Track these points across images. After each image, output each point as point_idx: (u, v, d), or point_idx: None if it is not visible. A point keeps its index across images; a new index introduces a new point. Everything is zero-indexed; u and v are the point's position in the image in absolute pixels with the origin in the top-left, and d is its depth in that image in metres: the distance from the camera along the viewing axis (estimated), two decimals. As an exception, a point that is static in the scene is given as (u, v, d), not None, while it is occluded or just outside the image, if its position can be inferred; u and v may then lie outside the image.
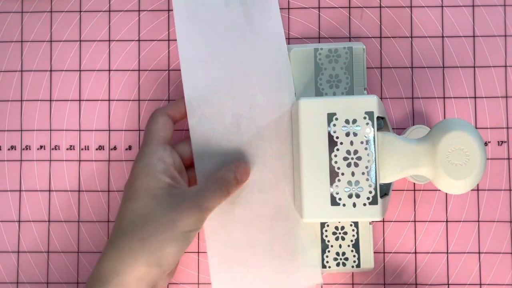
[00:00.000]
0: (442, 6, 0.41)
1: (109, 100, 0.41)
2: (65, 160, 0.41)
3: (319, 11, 0.41)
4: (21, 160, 0.41)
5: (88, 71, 0.41)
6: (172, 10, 0.41)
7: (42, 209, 0.41)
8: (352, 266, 0.38)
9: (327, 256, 0.38)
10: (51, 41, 0.41)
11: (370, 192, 0.32)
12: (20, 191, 0.41)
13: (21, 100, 0.41)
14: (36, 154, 0.41)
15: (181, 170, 0.36)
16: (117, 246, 0.32)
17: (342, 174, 0.32)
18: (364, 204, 0.32)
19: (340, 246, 0.38)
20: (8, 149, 0.41)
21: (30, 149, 0.41)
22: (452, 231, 0.40)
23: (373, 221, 0.39)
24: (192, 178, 0.37)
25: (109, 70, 0.41)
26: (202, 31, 0.38)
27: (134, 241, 0.31)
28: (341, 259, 0.38)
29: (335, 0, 0.41)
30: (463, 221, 0.40)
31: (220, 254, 0.37)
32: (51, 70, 0.41)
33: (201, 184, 0.34)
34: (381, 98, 0.41)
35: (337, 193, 0.32)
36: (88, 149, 0.41)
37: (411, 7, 0.41)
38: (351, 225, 0.38)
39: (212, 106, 0.37)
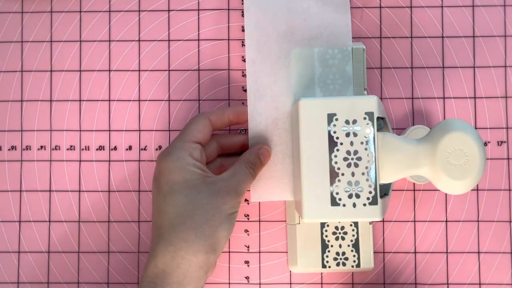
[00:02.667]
0: (442, 6, 0.41)
1: (109, 100, 0.41)
2: (66, 160, 0.41)
3: (319, 11, 0.41)
4: (21, 160, 0.41)
5: (88, 71, 0.41)
6: (172, 10, 0.41)
7: (43, 209, 0.41)
8: (352, 266, 0.38)
9: (327, 256, 0.38)
10: (51, 41, 0.41)
11: (370, 192, 0.32)
12: (20, 191, 0.41)
13: (21, 100, 0.41)
14: (37, 154, 0.41)
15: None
16: (170, 241, 0.32)
17: (342, 174, 0.32)
18: (364, 204, 0.32)
19: (340, 246, 0.38)
20: (9, 149, 0.41)
21: (30, 149, 0.41)
22: (452, 231, 0.40)
23: (373, 221, 0.40)
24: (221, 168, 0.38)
25: (109, 70, 0.41)
26: None
27: (187, 232, 0.32)
28: (341, 259, 0.38)
29: (335, 0, 0.41)
30: (462, 221, 0.40)
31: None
32: (51, 70, 0.41)
33: (232, 169, 0.35)
34: (381, 98, 0.41)
35: (337, 193, 0.32)
36: (88, 149, 0.41)
37: (411, 7, 0.41)
38: (351, 225, 0.38)
39: (267, 15, 0.39)
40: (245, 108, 0.38)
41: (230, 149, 0.39)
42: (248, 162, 0.36)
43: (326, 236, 0.38)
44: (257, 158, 0.36)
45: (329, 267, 0.38)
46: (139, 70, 0.41)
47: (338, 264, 0.38)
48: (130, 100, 0.41)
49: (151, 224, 0.37)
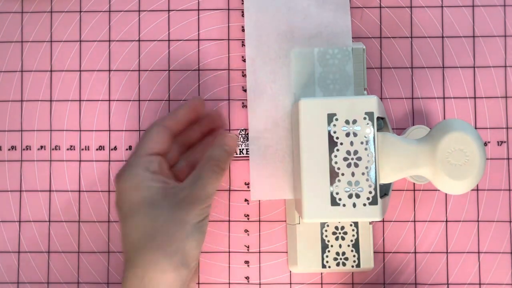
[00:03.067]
0: (442, 6, 0.41)
1: (109, 100, 0.41)
2: (65, 160, 0.41)
3: (319, 11, 0.41)
4: (21, 160, 0.41)
5: (88, 71, 0.41)
6: (172, 10, 0.41)
7: (43, 209, 0.41)
8: (352, 266, 0.38)
9: (327, 256, 0.38)
10: (51, 41, 0.41)
11: (370, 192, 0.32)
12: (20, 191, 0.41)
13: (21, 100, 0.41)
14: (37, 154, 0.41)
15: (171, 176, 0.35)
16: (137, 264, 0.31)
17: (342, 174, 0.32)
18: (364, 204, 0.32)
19: (340, 246, 0.38)
20: (9, 149, 0.41)
21: (30, 149, 0.41)
22: (452, 231, 0.40)
23: (373, 221, 0.40)
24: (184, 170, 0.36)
25: (109, 70, 0.41)
26: None
27: (152, 252, 0.31)
28: (341, 259, 0.38)
29: (335, 0, 0.41)
30: (462, 221, 0.40)
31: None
32: (51, 70, 0.41)
33: (194, 172, 0.33)
34: (381, 98, 0.41)
35: (337, 193, 0.32)
36: (88, 149, 0.41)
37: (411, 7, 0.41)
38: (351, 225, 0.38)
39: (267, 14, 0.39)
40: (198, 99, 0.36)
41: (194, 143, 0.36)
42: (211, 159, 0.33)
43: (326, 236, 0.38)
44: (222, 151, 0.33)
45: (329, 267, 0.38)
46: (139, 70, 0.41)
47: (338, 264, 0.38)
48: (130, 100, 0.41)
49: None
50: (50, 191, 0.41)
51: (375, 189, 0.32)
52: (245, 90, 0.41)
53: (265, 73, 0.39)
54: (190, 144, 0.37)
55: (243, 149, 0.41)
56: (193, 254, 0.31)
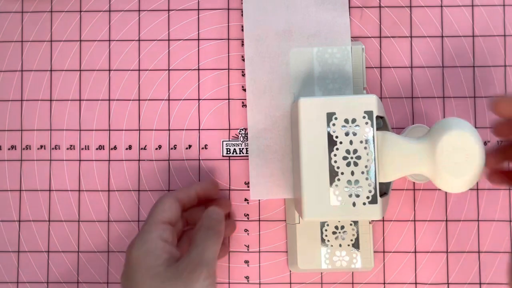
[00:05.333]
0: (441, 6, 0.41)
1: (109, 100, 0.41)
2: (65, 160, 0.41)
3: (318, 11, 0.41)
4: (21, 160, 0.41)
5: (88, 71, 0.41)
6: (172, 10, 0.41)
7: (42, 209, 0.41)
8: (352, 266, 0.38)
9: (327, 256, 0.38)
10: (51, 41, 0.42)
11: (370, 192, 0.32)
12: (20, 190, 0.41)
13: (21, 100, 0.41)
14: (36, 153, 0.41)
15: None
16: None
17: (342, 173, 0.32)
18: (364, 204, 0.32)
19: (340, 245, 0.38)
20: (8, 149, 0.41)
21: (30, 149, 0.41)
22: (452, 230, 0.40)
23: (373, 220, 0.39)
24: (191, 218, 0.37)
25: (109, 70, 0.41)
26: None
27: None
28: (341, 258, 0.38)
29: (335, 0, 0.41)
30: (462, 221, 0.40)
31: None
32: (51, 70, 0.41)
33: (192, 243, 0.33)
34: (380, 98, 0.41)
35: (337, 193, 0.32)
36: (88, 149, 0.41)
37: (410, 7, 0.41)
38: (351, 224, 0.38)
39: (266, 13, 0.39)
40: (212, 182, 0.38)
41: (193, 216, 0.37)
42: (203, 227, 0.34)
43: (326, 235, 0.38)
44: (209, 219, 0.34)
45: (329, 267, 0.38)
46: (139, 70, 0.41)
47: (338, 264, 0.38)
48: (130, 100, 0.41)
49: None
50: (50, 190, 0.41)
51: (375, 188, 0.32)
52: (244, 90, 0.41)
53: (264, 73, 0.39)
54: (194, 222, 0.37)
55: (243, 148, 0.41)
56: None
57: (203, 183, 0.38)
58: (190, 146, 0.41)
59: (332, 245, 0.38)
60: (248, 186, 0.40)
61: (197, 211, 0.37)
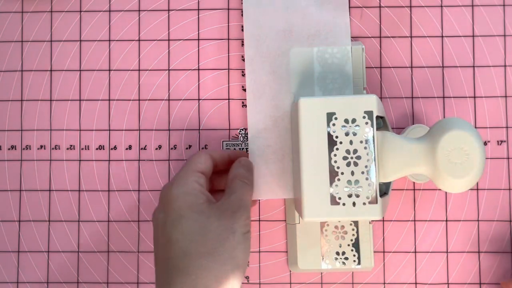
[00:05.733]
0: (441, 6, 0.41)
1: (109, 100, 0.41)
2: (65, 160, 0.41)
3: (318, 11, 0.41)
4: (21, 160, 0.41)
5: (88, 71, 0.41)
6: (172, 10, 0.41)
7: (42, 209, 0.41)
8: (352, 266, 0.38)
9: (327, 256, 0.38)
10: (51, 41, 0.42)
11: (370, 191, 0.32)
12: (20, 190, 0.41)
13: (21, 100, 0.41)
14: (36, 153, 0.41)
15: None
16: (187, 271, 0.30)
17: (342, 173, 0.32)
18: (364, 204, 0.32)
19: (340, 245, 0.38)
20: (8, 149, 0.41)
21: (30, 149, 0.41)
22: (452, 230, 0.40)
23: (373, 220, 0.39)
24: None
25: (109, 70, 0.41)
26: None
27: (205, 258, 0.31)
28: (341, 258, 0.38)
29: (335, 0, 0.41)
30: (462, 221, 0.40)
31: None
32: (51, 70, 0.41)
33: (227, 189, 0.35)
34: (380, 98, 0.41)
35: (337, 193, 0.32)
36: (88, 149, 0.41)
37: (410, 7, 0.41)
38: (351, 224, 0.38)
39: (266, 12, 0.39)
40: (245, 153, 0.39)
41: (219, 183, 0.38)
42: (237, 176, 0.35)
43: (326, 235, 0.38)
44: (244, 169, 0.36)
45: (329, 267, 0.38)
46: (139, 70, 0.41)
47: (338, 264, 0.38)
48: (130, 100, 0.41)
49: (153, 259, 0.35)
50: (50, 190, 0.41)
51: (375, 188, 0.32)
52: (245, 90, 0.41)
53: (264, 72, 0.39)
54: (219, 186, 0.38)
55: (243, 148, 0.41)
56: (243, 263, 0.32)
57: (236, 151, 0.39)
58: (190, 146, 0.41)
59: (332, 245, 0.38)
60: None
61: (224, 178, 0.38)
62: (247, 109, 0.39)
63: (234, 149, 0.41)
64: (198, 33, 0.41)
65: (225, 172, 0.37)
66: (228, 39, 0.41)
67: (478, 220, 0.40)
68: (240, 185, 0.35)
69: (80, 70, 0.41)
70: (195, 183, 0.33)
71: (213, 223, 0.32)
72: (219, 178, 0.38)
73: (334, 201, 0.32)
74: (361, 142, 0.32)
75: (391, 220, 0.40)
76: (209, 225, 0.32)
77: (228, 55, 0.41)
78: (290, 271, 0.40)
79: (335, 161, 0.32)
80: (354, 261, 0.38)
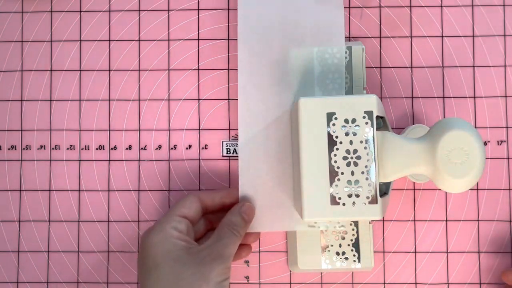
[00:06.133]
0: (441, 6, 0.41)
1: (109, 99, 0.41)
2: (65, 160, 0.41)
3: (318, 11, 0.41)
4: (21, 160, 0.41)
5: (88, 71, 0.41)
6: (172, 10, 0.41)
7: (42, 209, 0.41)
8: (352, 266, 0.38)
9: (327, 256, 0.38)
10: (51, 41, 0.42)
11: (370, 191, 0.32)
12: (20, 190, 0.41)
13: (21, 100, 0.41)
14: (36, 153, 0.41)
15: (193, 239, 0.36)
16: None
17: (342, 173, 0.32)
18: (364, 203, 0.32)
19: (340, 245, 0.38)
20: (8, 149, 0.41)
21: (30, 149, 0.41)
22: (452, 230, 0.40)
23: (373, 220, 0.39)
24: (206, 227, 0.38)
25: (109, 70, 0.41)
26: None
27: None
28: (341, 258, 0.38)
29: (335, 0, 0.41)
30: (462, 221, 0.40)
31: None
32: (51, 70, 0.41)
33: (215, 234, 0.34)
34: (380, 98, 0.41)
35: (337, 193, 0.32)
36: (88, 149, 0.41)
37: (410, 7, 0.41)
38: (351, 224, 0.38)
39: (261, 42, 0.38)
40: (237, 192, 0.38)
41: (216, 220, 0.37)
42: (230, 223, 0.35)
43: (326, 235, 0.38)
44: (239, 217, 0.35)
45: (329, 267, 0.38)
46: (139, 70, 0.41)
47: (338, 264, 0.38)
48: (130, 100, 0.41)
49: None
50: (50, 190, 0.41)
51: (375, 188, 0.32)
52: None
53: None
54: (213, 219, 0.38)
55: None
56: None
57: (230, 190, 0.38)
58: (190, 146, 0.41)
59: (332, 245, 0.38)
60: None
61: (222, 215, 0.38)
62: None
63: (234, 149, 0.41)
64: (198, 33, 0.41)
65: (224, 211, 0.37)
66: (228, 39, 0.41)
67: (478, 220, 0.40)
68: (228, 234, 0.34)
69: (80, 70, 0.41)
70: (172, 230, 0.33)
71: (187, 270, 0.32)
72: (216, 218, 0.38)
73: (334, 201, 0.32)
74: (361, 142, 0.32)
75: (391, 220, 0.40)
76: (183, 272, 0.31)
77: (228, 55, 0.41)
78: (290, 271, 0.40)
79: (335, 161, 0.32)
80: (354, 261, 0.38)
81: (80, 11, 0.42)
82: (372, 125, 0.32)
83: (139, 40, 0.41)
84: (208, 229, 0.38)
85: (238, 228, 0.35)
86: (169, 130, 0.41)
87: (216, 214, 0.38)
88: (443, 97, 0.41)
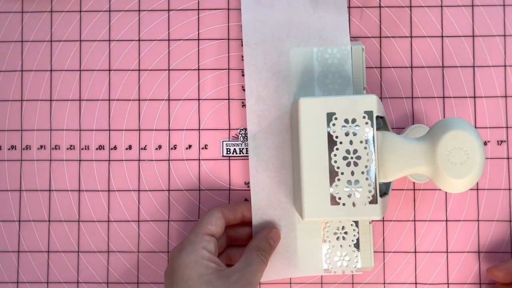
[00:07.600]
0: (441, 6, 0.41)
1: (109, 100, 0.41)
2: (65, 160, 0.41)
3: (318, 11, 0.41)
4: (21, 160, 0.41)
5: (88, 71, 0.41)
6: (172, 10, 0.41)
7: (42, 209, 0.41)
8: (353, 266, 0.38)
9: (328, 256, 0.38)
10: (51, 41, 0.42)
11: (370, 192, 0.32)
12: (20, 190, 0.41)
13: (21, 100, 0.41)
14: (36, 153, 0.41)
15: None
16: None
17: (342, 173, 0.32)
18: (364, 204, 0.32)
19: (341, 246, 0.38)
20: (8, 149, 0.41)
21: (30, 149, 0.41)
22: (452, 230, 0.40)
23: (373, 221, 0.39)
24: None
25: (109, 70, 0.41)
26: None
27: None
28: (341, 258, 0.38)
29: (335, 0, 0.41)
30: (462, 221, 0.40)
31: None
32: (51, 70, 0.41)
33: (243, 258, 0.35)
34: (380, 98, 0.41)
35: (337, 193, 0.32)
36: (88, 149, 0.41)
37: (410, 7, 0.41)
38: (351, 224, 0.38)
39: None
40: (249, 205, 0.38)
41: (238, 241, 0.38)
42: (259, 249, 0.35)
43: (328, 236, 0.38)
44: (266, 243, 0.36)
45: (330, 267, 0.38)
46: (139, 70, 0.41)
47: (338, 264, 0.38)
48: (130, 100, 0.41)
49: None
50: (50, 190, 0.41)
51: (375, 188, 0.32)
52: (244, 90, 0.41)
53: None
54: (236, 239, 0.38)
55: (243, 148, 0.41)
56: None
57: (249, 204, 0.38)
58: (190, 146, 0.41)
59: (333, 246, 0.38)
60: (248, 186, 0.40)
61: (241, 230, 0.38)
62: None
63: (234, 149, 0.41)
64: (198, 33, 0.41)
65: (241, 225, 0.38)
66: (228, 39, 0.41)
67: (478, 220, 0.40)
68: (257, 260, 0.34)
69: (80, 70, 0.41)
70: (203, 251, 0.34)
71: None
72: (235, 232, 0.38)
73: (334, 201, 0.32)
74: (361, 142, 0.32)
75: (391, 220, 0.40)
76: None
77: (228, 55, 0.41)
78: (290, 271, 0.40)
79: (335, 161, 0.32)
80: (355, 261, 0.38)
81: (80, 11, 0.42)
82: (372, 125, 0.32)
83: (139, 40, 0.41)
84: (228, 244, 0.38)
85: (265, 254, 0.35)
86: (169, 130, 0.41)
87: (234, 229, 0.38)
88: (443, 97, 0.41)
